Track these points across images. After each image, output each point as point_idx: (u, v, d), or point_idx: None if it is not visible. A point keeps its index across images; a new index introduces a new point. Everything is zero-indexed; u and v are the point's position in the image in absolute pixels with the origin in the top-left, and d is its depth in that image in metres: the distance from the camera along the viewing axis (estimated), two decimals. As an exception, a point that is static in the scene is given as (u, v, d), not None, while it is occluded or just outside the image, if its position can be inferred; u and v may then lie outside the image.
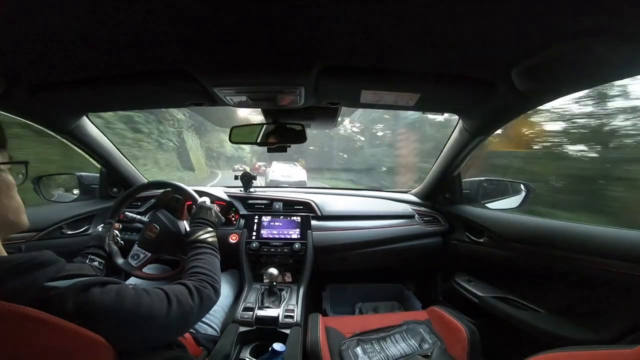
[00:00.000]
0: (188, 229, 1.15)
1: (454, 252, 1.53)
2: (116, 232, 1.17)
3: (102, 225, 1.15)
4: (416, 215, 1.61)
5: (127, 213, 1.25)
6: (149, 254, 1.13)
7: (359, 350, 1.09)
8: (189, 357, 0.80)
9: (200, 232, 0.94)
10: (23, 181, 0.62)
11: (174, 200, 1.29)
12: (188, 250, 0.90)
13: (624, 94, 2.56)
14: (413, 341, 1.14)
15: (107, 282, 0.56)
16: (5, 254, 0.54)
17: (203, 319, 1.10)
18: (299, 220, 1.50)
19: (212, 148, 19.73)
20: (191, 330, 1.04)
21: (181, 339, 0.94)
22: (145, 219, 1.28)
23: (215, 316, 1.17)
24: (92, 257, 1.04)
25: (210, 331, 1.11)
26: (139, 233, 1.18)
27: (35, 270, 0.49)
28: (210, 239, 0.95)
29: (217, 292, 0.79)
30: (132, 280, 1.24)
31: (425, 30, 0.63)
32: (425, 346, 1.11)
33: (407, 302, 1.80)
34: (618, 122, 2.65)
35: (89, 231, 1.44)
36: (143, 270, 1.13)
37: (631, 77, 0.72)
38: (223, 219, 1.09)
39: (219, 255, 0.94)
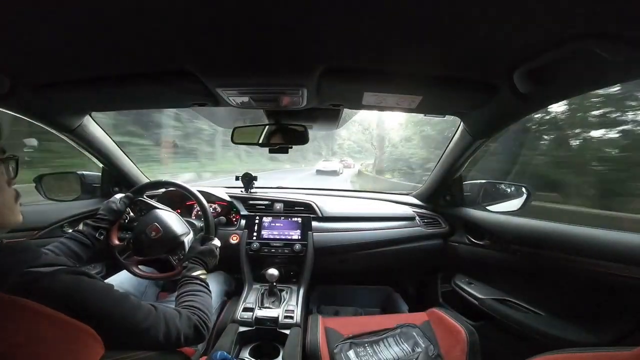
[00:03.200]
0: (184, 236, 1.15)
1: (454, 254, 1.53)
2: (128, 209, 1.19)
3: (121, 197, 1.15)
4: (417, 217, 1.61)
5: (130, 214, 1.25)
6: (139, 256, 1.14)
7: (351, 353, 1.08)
8: (179, 355, 0.80)
9: (198, 272, 0.95)
10: (14, 177, 0.60)
11: (178, 199, 1.29)
12: (183, 283, 0.91)
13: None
14: (406, 345, 1.13)
15: (93, 275, 0.58)
16: None
17: None
18: (300, 221, 1.51)
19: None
20: None
21: None
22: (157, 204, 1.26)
23: None
24: (102, 231, 1.06)
25: None
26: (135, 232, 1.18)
27: (12, 255, 0.50)
28: (205, 278, 0.95)
29: (207, 330, 0.79)
30: (117, 280, 1.24)
31: (427, 32, 0.63)
32: (418, 350, 1.11)
33: (394, 306, 1.80)
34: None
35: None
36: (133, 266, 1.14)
37: (633, 80, 0.72)
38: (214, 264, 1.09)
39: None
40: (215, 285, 1.35)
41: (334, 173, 16.26)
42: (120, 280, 1.24)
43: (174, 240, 1.13)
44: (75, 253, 0.97)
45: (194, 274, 0.93)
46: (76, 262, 0.97)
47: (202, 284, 0.92)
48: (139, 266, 1.16)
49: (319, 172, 16.06)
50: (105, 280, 1.16)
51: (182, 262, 1.09)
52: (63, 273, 0.51)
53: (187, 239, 1.17)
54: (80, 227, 1.04)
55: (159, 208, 1.19)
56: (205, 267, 1.00)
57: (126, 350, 0.59)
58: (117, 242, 1.14)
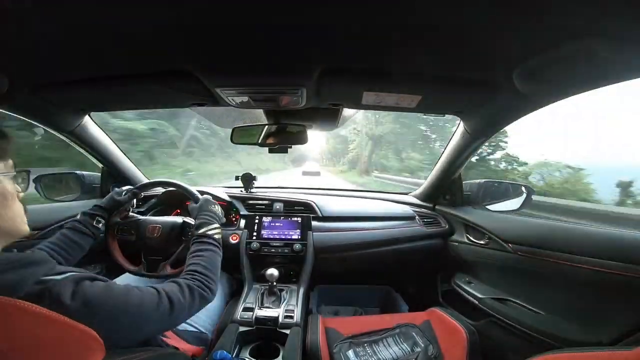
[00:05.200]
0: (180, 219, 1.18)
1: (454, 253, 1.53)
2: (134, 201, 1.23)
3: (127, 189, 1.18)
4: (417, 217, 1.61)
5: (131, 214, 1.26)
6: (165, 261, 1.16)
7: (351, 353, 1.08)
8: (182, 356, 0.80)
9: (208, 227, 0.94)
10: (25, 189, 0.64)
11: (177, 198, 1.30)
12: (192, 243, 0.91)
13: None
14: (405, 345, 1.13)
15: (96, 278, 0.58)
16: None
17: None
18: (300, 221, 1.51)
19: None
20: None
21: (171, 338, 0.95)
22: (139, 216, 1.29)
23: (199, 316, 1.17)
24: (99, 218, 1.06)
25: (190, 329, 1.12)
26: (134, 234, 1.20)
27: (28, 267, 0.50)
28: (216, 235, 0.95)
29: (211, 292, 0.79)
30: (124, 279, 1.25)
31: (426, 32, 0.63)
32: (417, 349, 1.11)
33: (394, 306, 1.80)
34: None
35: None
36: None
37: (633, 79, 0.72)
38: (224, 219, 1.10)
39: (222, 252, 0.93)
40: (220, 287, 1.35)
41: (317, 174, 19.81)
42: (121, 281, 1.24)
43: (175, 227, 1.15)
44: (75, 243, 0.97)
45: (202, 230, 0.93)
46: (77, 251, 0.98)
47: (209, 240, 0.91)
48: (168, 268, 1.18)
49: (305, 173, 19.18)
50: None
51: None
52: (71, 280, 0.52)
53: (186, 219, 1.21)
54: (78, 216, 1.05)
55: (142, 217, 1.23)
56: (216, 219, 1.00)
57: (130, 350, 0.59)
58: (132, 267, 1.17)
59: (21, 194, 0.62)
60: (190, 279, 0.76)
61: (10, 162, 0.60)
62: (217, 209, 1.08)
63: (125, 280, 1.27)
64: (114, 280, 1.24)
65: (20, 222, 0.60)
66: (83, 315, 0.49)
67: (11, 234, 0.58)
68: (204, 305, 0.76)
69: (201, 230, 0.93)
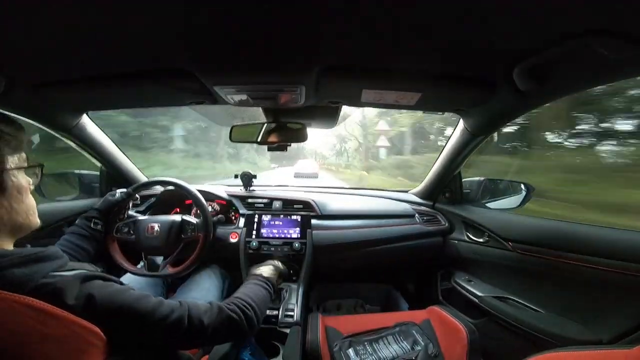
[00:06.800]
0: (177, 216, 1.23)
1: (454, 251, 1.53)
2: (130, 201, 1.25)
3: (120, 191, 1.19)
4: (416, 215, 1.61)
5: (130, 213, 1.26)
6: (166, 259, 1.18)
7: (351, 352, 1.08)
8: (184, 356, 0.80)
9: (262, 267, 1.00)
10: (38, 183, 0.65)
11: (176, 197, 1.31)
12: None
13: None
14: (405, 343, 1.13)
15: (109, 278, 0.58)
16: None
17: None
18: (299, 219, 1.50)
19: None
20: None
21: None
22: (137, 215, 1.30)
23: None
24: (96, 220, 1.08)
25: None
26: (133, 234, 1.21)
27: (40, 262, 0.51)
28: (265, 274, 0.98)
29: (247, 321, 0.73)
30: (127, 279, 1.25)
31: (426, 29, 0.63)
32: (417, 348, 1.11)
33: (394, 304, 1.80)
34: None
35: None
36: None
37: (633, 77, 0.72)
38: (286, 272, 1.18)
39: (272, 291, 0.96)
40: (215, 281, 1.35)
41: (313, 175, 15.06)
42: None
43: (174, 226, 1.16)
44: (78, 246, 1.00)
45: (258, 272, 0.99)
46: (84, 255, 1.00)
47: (259, 278, 0.94)
48: (169, 267, 1.19)
49: (298, 175, 14.67)
50: None
51: (199, 231, 1.13)
52: (80, 277, 0.52)
53: (185, 217, 1.23)
54: (77, 221, 1.08)
55: (140, 217, 1.24)
56: (275, 268, 1.07)
57: (133, 350, 0.59)
58: (133, 267, 1.18)
59: (32, 187, 0.63)
60: (225, 304, 0.74)
61: (24, 155, 0.60)
62: (282, 269, 1.14)
63: (126, 280, 1.27)
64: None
65: (33, 215, 0.61)
66: (85, 312, 0.49)
67: (23, 227, 0.59)
68: (236, 334, 0.72)
69: (253, 271, 0.98)
